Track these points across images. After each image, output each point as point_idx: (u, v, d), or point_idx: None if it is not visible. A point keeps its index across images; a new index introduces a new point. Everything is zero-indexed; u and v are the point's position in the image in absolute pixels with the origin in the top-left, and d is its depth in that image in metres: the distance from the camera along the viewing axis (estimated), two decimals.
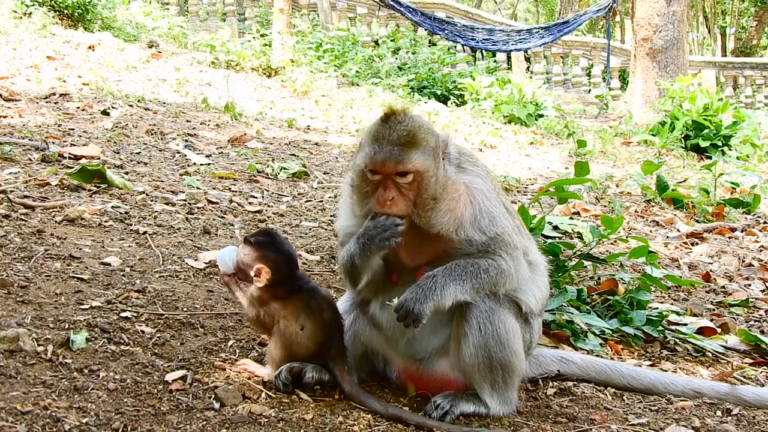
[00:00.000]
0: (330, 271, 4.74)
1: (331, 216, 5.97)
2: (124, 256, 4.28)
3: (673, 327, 4.51)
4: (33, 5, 13.97)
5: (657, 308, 4.69)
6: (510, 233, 3.11)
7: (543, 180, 9.16)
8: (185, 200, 5.72)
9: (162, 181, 6.18)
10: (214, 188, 6.32)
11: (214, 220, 5.40)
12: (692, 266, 6.16)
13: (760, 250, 6.92)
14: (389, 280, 3.17)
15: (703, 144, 13.57)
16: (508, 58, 22.28)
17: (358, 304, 3.32)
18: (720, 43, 40.71)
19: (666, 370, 3.94)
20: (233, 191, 6.37)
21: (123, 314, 3.47)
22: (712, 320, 4.79)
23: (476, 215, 3.04)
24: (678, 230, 7.27)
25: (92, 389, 2.79)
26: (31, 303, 3.41)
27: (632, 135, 14.93)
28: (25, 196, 5.08)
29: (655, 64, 17.98)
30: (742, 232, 7.52)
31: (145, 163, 6.76)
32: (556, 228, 5.83)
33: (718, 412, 3.38)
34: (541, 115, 15.07)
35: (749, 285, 5.87)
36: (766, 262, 6.46)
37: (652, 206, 8.07)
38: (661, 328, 4.41)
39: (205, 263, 4.40)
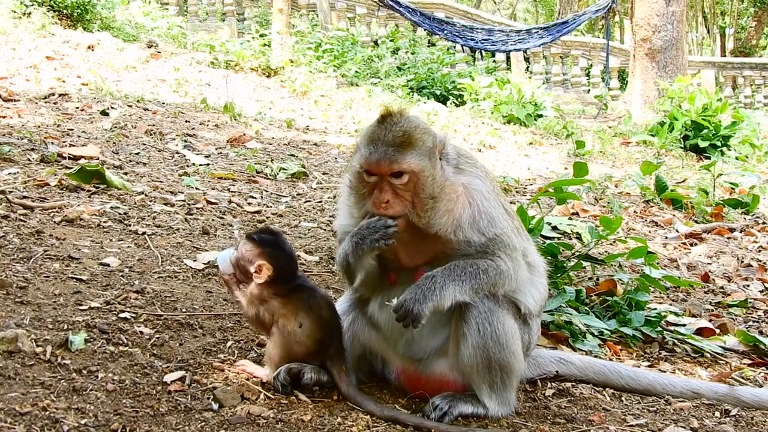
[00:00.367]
0: (329, 271, 4.74)
1: (330, 216, 5.97)
2: (123, 256, 4.28)
3: (672, 328, 4.52)
4: (32, 5, 13.95)
5: (655, 309, 4.69)
6: (509, 234, 3.11)
7: (542, 180, 9.16)
8: (184, 201, 5.72)
9: (161, 182, 6.18)
10: (213, 189, 6.32)
11: (213, 220, 5.40)
12: (691, 267, 6.17)
13: (759, 251, 6.93)
14: (388, 281, 3.17)
15: (702, 144, 13.57)
16: (508, 58, 22.31)
17: (357, 304, 3.32)
18: (719, 43, 40.73)
19: (664, 371, 3.95)
20: (232, 192, 6.37)
21: (122, 315, 3.47)
22: (710, 321, 4.80)
23: (475, 216, 3.04)
24: (677, 231, 7.27)
25: (91, 390, 2.79)
26: (30, 304, 3.41)
27: (631, 135, 14.94)
28: (24, 197, 5.08)
29: (654, 64, 17.99)
30: (740, 232, 7.52)
31: (144, 164, 6.76)
32: (554, 228, 5.83)
33: (717, 413, 3.39)
34: (540, 116, 15.07)
35: (748, 285, 5.88)
36: (764, 263, 6.46)
37: (651, 207, 8.08)
38: (659, 328, 4.41)
39: (204, 264, 4.40)
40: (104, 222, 4.85)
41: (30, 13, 13.74)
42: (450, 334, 3.15)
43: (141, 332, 3.35)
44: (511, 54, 21.18)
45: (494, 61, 21.89)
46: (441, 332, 3.17)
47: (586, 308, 4.46)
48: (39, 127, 7.46)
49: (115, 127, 8.10)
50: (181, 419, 2.73)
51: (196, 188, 6.18)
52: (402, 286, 3.05)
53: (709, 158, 12.60)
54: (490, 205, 3.09)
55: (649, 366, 4.04)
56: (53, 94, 9.42)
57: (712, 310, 5.15)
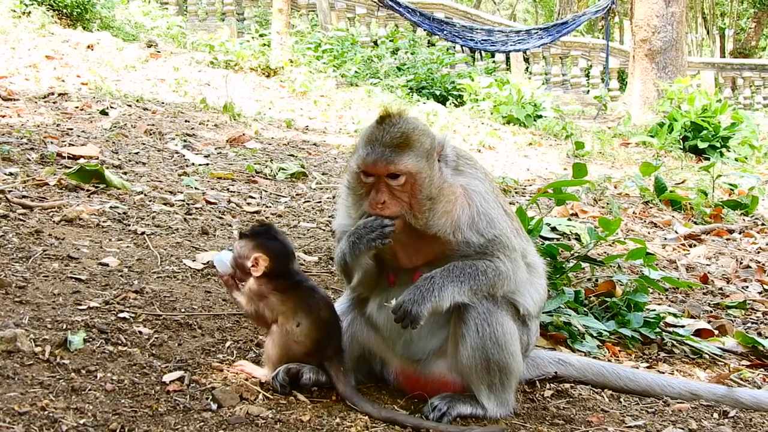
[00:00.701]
0: (328, 272, 4.74)
1: (329, 217, 5.97)
2: (122, 256, 4.28)
3: (671, 329, 4.52)
4: (32, 4, 13.94)
5: (654, 310, 4.69)
6: (508, 235, 3.12)
7: (541, 181, 9.16)
8: (183, 201, 5.72)
9: (160, 182, 6.18)
10: (212, 189, 6.32)
11: (212, 220, 5.40)
12: (690, 268, 6.17)
13: (758, 252, 6.93)
14: (387, 281, 3.17)
15: (702, 145, 13.58)
16: (507, 58, 22.31)
17: (355, 305, 3.32)
18: (719, 44, 40.76)
19: (663, 372, 3.95)
20: (231, 192, 6.37)
21: (121, 315, 3.47)
22: (709, 322, 4.80)
23: (474, 217, 3.05)
24: (676, 232, 7.27)
25: (90, 390, 2.79)
26: (29, 303, 3.41)
27: (631, 136, 14.94)
28: (24, 196, 5.08)
29: (654, 65, 18.00)
30: (739, 233, 7.53)
31: (144, 164, 6.76)
32: (554, 229, 5.84)
33: (715, 415, 3.39)
34: (540, 116, 15.07)
35: (747, 287, 5.88)
36: (763, 264, 6.47)
37: (650, 208, 8.08)
38: (658, 330, 4.41)
39: (203, 264, 4.40)
40: (103, 222, 4.85)
41: (30, 13, 13.73)
42: (449, 334, 3.15)
43: (140, 332, 3.35)
44: (510, 54, 21.19)
45: (494, 61, 21.89)
46: (440, 333, 3.17)
47: (585, 309, 4.46)
48: (38, 126, 7.46)
49: (115, 126, 8.10)
50: (179, 419, 2.73)
51: (196, 188, 6.18)
52: (401, 287, 3.05)
53: (708, 159, 12.61)
54: (489, 206, 3.09)
55: (647, 367, 4.04)
56: (53, 94, 9.42)
57: (711, 312, 5.15)
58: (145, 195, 5.63)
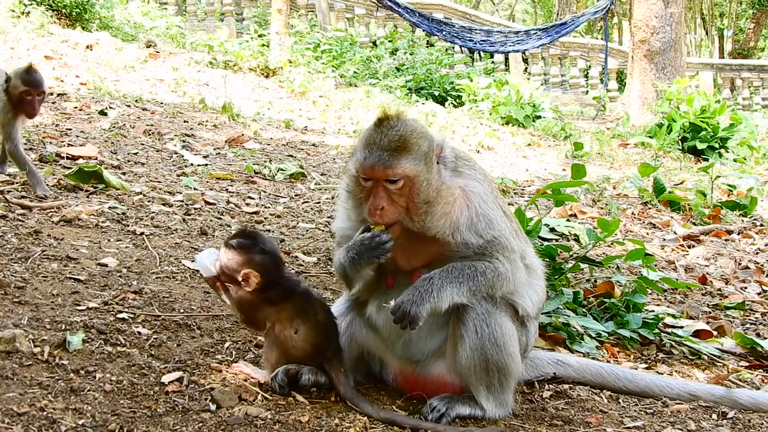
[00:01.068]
0: (327, 272, 4.74)
1: (328, 217, 5.98)
2: (121, 257, 4.28)
3: (669, 330, 4.52)
4: (31, 4, 13.94)
5: (653, 311, 4.70)
6: (507, 236, 3.12)
7: (540, 182, 9.17)
8: (182, 201, 5.72)
9: (159, 182, 6.19)
10: (211, 189, 6.32)
11: (211, 221, 5.40)
12: (688, 269, 6.17)
13: (757, 253, 6.94)
14: (385, 283, 3.17)
15: (701, 146, 13.58)
16: (506, 59, 22.31)
17: (354, 306, 3.32)
18: (717, 45, 40.78)
19: (662, 373, 3.95)
20: (230, 192, 6.37)
21: (119, 315, 3.47)
22: (708, 323, 4.81)
23: (472, 218, 3.05)
24: (674, 232, 7.28)
25: (88, 390, 2.79)
26: (28, 304, 3.41)
27: (629, 137, 14.94)
28: (23, 197, 5.08)
29: (653, 65, 18.01)
30: (738, 234, 7.53)
31: (143, 164, 6.76)
32: (552, 230, 5.84)
33: (714, 416, 3.39)
34: (539, 117, 15.08)
35: (745, 288, 5.88)
36: (762, 265, 6.47)
37: (649, 208, 8.08)
38: (657, 330, 4.41)
39: None
40: (102, 222, 4.85)
41: (29, 13, 13.72)
42: (448, 335, 3.15)
43: (139, 333, 3.35)
44: (509, 55, 21.19)
45: (493, 62, 21.89)
46: (439, 334, 3.17)
47: (584, 310, 4.46)
48: (37, 126, 7.46)
49: (114, 127, 8.10)
50: (178, 420, 2.73)
51: (195, 188, 6.18)
52: (399, 289, 3.05)
53: (707, 160, 12.61)
54: (488, 207, 3.09)
55: (646, 368, 4.04)
56: (51, 94, 9.40)
57: (710, 313, 5.15)
58: (144, 195, 5.63)
